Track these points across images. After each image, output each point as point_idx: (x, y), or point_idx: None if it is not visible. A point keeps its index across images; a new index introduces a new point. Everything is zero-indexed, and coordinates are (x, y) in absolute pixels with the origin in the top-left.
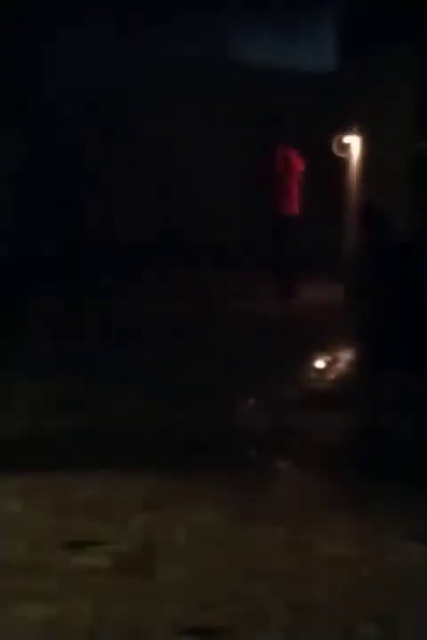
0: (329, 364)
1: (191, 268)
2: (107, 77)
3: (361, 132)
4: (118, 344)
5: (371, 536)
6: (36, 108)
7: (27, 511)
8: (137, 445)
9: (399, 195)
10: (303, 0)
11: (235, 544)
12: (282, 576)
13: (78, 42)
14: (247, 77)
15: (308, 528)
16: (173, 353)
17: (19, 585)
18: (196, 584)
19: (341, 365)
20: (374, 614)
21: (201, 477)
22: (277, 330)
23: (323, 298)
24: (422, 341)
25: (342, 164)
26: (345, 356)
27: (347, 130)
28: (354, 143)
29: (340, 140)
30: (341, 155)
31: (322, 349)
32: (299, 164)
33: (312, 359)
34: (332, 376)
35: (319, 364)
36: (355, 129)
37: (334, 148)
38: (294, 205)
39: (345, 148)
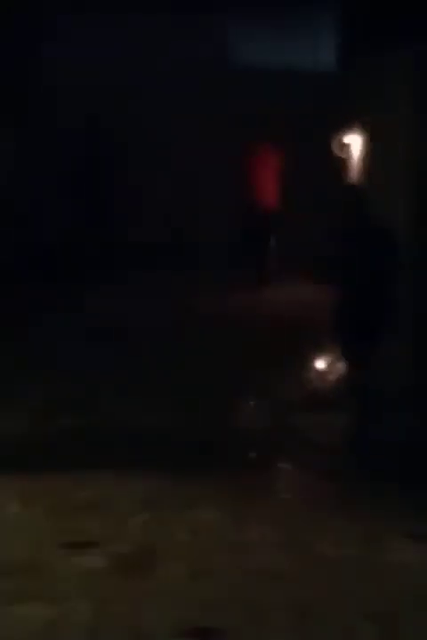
0: (319, 365)
1: (191, 267)
2: (107, 77)
3: (361, 132)
4: (118, 344)
5: (371, 536)
6: (35, 108)
7: (27, 512)
8: (137, 446)
9: (399, 194)
10: (303, 0)
11: (235, 544)
12: (282, 576)
13: (78, 42)
14: (247, 77)
15: (308, 528)
16: (173, 353)
17: (19, 585)
18: (196, 584)
19: (328, 365)
20: (374, 614)
21: (201, 478)
22: (256, 328)
23: (315, 296)
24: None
25: (341, 163)
26: (333, 355)
27: (347, 130)
28: (354, 143)
29: (340, 140)
30: (341, 155)
31: (311, 349)
32: (277, 161)
33: (305, 359)
34: (321, 376)
35: (314, 364)
36: (355, 129)
37: (334, 148)
38: (272, 201)
39: (345, 147)
